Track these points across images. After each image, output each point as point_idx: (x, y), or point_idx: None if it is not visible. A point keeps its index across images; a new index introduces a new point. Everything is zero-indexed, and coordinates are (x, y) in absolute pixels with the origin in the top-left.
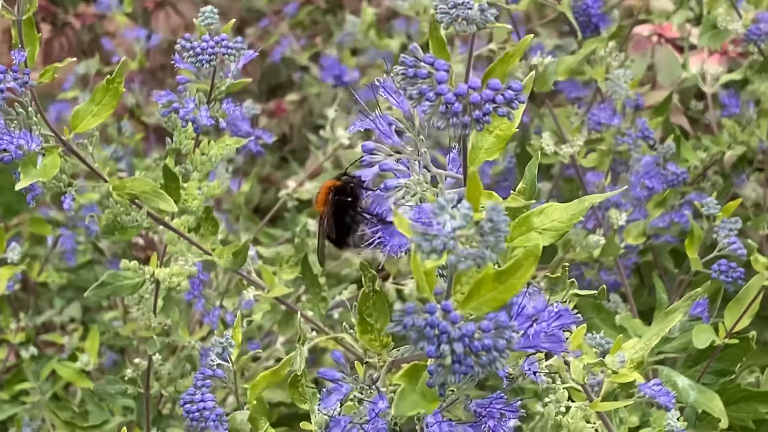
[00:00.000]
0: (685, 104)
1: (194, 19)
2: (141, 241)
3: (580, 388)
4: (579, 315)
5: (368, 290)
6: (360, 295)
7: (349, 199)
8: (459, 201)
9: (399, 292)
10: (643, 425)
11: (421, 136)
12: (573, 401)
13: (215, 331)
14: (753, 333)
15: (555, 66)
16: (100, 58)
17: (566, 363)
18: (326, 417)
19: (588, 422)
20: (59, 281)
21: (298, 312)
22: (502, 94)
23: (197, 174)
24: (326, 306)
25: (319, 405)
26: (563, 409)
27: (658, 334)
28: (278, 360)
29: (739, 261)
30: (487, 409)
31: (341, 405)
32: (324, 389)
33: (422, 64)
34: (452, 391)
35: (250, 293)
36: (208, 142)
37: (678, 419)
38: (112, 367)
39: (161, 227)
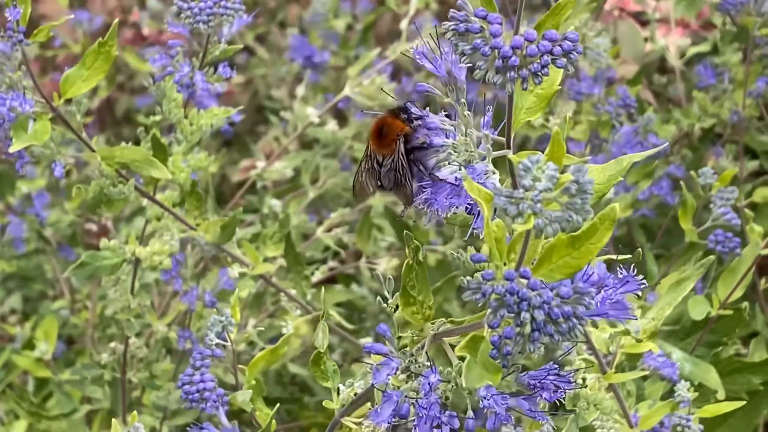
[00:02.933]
0: (648, 78)
1: (130, 2)
2: (94, 228)
3: (593, 359)
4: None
5: (412, 261)
6: (404, 267)
7: (410, 147)
8: (543, 162)
9: (371, 272)
10: (638, 399)
11: (462, 100)
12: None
13: (194, 313)
14: (745, 304)
15: None
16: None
17: (584, 334)
18: (379, 392)
19: None
20: (9, 269)
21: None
22: (560, 45)
23: (185, 145)
24: (309, 284)
25: (372, 380)
26: (580, 381)
27: (671, 304)
28: (251, 343)
29: (733, 231)
30: (542, 381)
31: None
32: (372, 365)
33: (473, 18)
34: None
35: (234, 270)
36: (198, 112)
37: (688, 390)
38: (61, 356)
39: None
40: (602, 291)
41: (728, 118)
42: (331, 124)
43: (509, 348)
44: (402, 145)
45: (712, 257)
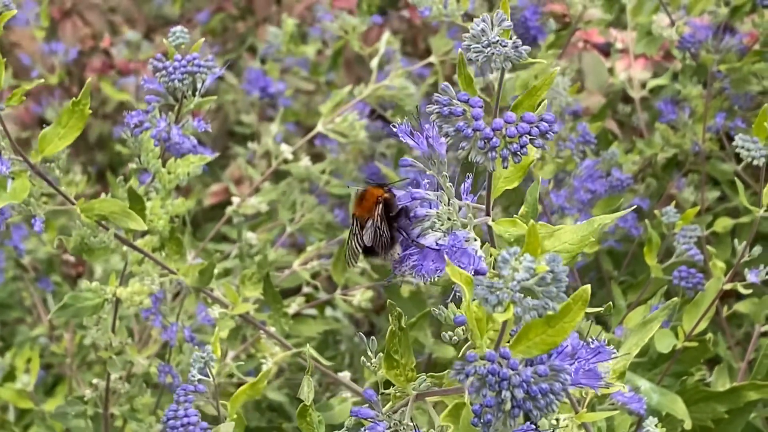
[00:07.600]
0: (613, 108)
1: (102, 29)
2: (72, 258)
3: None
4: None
5: (395, 329)
6: (388, 334)
7: (392, 214)
8: (520, 254)
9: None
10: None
11: (444, 173)
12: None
13: (173, 348)
14: (710, 335)
15: (513, 82)
16: (12, 72)
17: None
18: None
19: None
20: None
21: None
22: (537, 127)
23: (163, 192)
24: (287, 321)
25: None
26: (554, 422)
27: (638, 344)
28: (230, 375)
29: (696, 266)
30: None
31: None
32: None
33: (456, 102)
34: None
35: (215, 311)
36: (174, 160)
37: (656, 426)
38: (40, 383)
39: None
40: (575, 362)
41: (690, 149)
42: (305, 160)
43: (490, 417)
44: (381, 207)
45: (675, 300)
